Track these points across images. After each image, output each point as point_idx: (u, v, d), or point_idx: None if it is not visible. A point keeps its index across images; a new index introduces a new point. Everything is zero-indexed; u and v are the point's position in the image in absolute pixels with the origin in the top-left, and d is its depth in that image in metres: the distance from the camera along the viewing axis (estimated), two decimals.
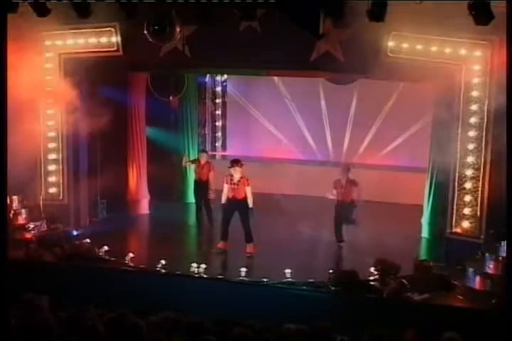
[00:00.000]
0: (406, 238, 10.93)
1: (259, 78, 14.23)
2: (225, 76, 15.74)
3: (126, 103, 12.34)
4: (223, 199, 10.49)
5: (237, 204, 10.34)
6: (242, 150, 15.95)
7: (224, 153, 16.07)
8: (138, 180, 12.79)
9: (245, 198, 10.28)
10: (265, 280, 8.90)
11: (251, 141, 15.88)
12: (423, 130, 13.51)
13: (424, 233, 11.30)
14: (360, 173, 11.19)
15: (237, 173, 10.30)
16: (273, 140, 15.60)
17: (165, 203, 12.92)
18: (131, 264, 9.55)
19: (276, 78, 14.85)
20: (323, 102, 14.98)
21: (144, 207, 12.93)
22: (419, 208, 11.53)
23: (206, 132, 15.76)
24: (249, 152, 15.78)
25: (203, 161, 12.14)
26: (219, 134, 16.17)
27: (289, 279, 8.92)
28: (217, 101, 15.97)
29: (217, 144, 16.18)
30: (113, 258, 9.74)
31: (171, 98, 13.29)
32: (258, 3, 9.20)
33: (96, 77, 11.07)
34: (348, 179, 10.81)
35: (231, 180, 10.32)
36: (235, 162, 10.40)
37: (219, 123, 16.11)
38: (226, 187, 10.40)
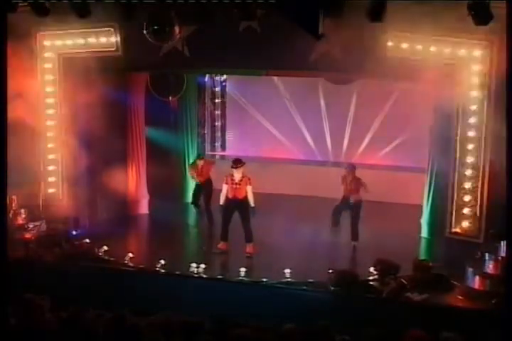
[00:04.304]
0: (406, 238, 10.93)
1: (259, 78, 14.21)
2: (225, 76, 15.76)
3: (126, 103, 12.30)
4: (221, 200, 10.44)
5: (238, 204, 10.29)
6: (241, 150, 15.96)
7: (223, 153, 16.10)
8: (137, 180, 12.76)
9: (246, 198, 10.23)
10: (265, 280, 8.90)
11: (250, 141, 15.89)
12: (422, 130, 13.50)
13: (424, 233, 11.29)
14: (360, 173, 11.16)
15: (238, 173, 10.23)
16: (272, 140, 15.61)
17: (165, 203, 12.87)
18: (131, 264, 9.54)
19: (275, 78, 14.85)
20: (322, 102, 14.98)
21: (144, 207, 12.92)
22: (419, 208, 11.53)
23: (206, 132, 15.81)
24: (249, 152, 15.78)
25: (200, 163, 12.14)
26: (218, 134, 16.22)
27: (289, 279, 8.91)
28: (217, 101, 16.03)
29: (216, 144, 16.23)
30: (112, 258, 9.72)
31: (170, 98, 13.29)
32: (258, 3, 9.20)
33: (95, 77, 11.05)
34: (354, 177, 10.89)
35: (232, 179, 10.24)
36: (238, 162, 10.27)
37: (218, 123, 16.15)
38: (226, 188, 10.32)
